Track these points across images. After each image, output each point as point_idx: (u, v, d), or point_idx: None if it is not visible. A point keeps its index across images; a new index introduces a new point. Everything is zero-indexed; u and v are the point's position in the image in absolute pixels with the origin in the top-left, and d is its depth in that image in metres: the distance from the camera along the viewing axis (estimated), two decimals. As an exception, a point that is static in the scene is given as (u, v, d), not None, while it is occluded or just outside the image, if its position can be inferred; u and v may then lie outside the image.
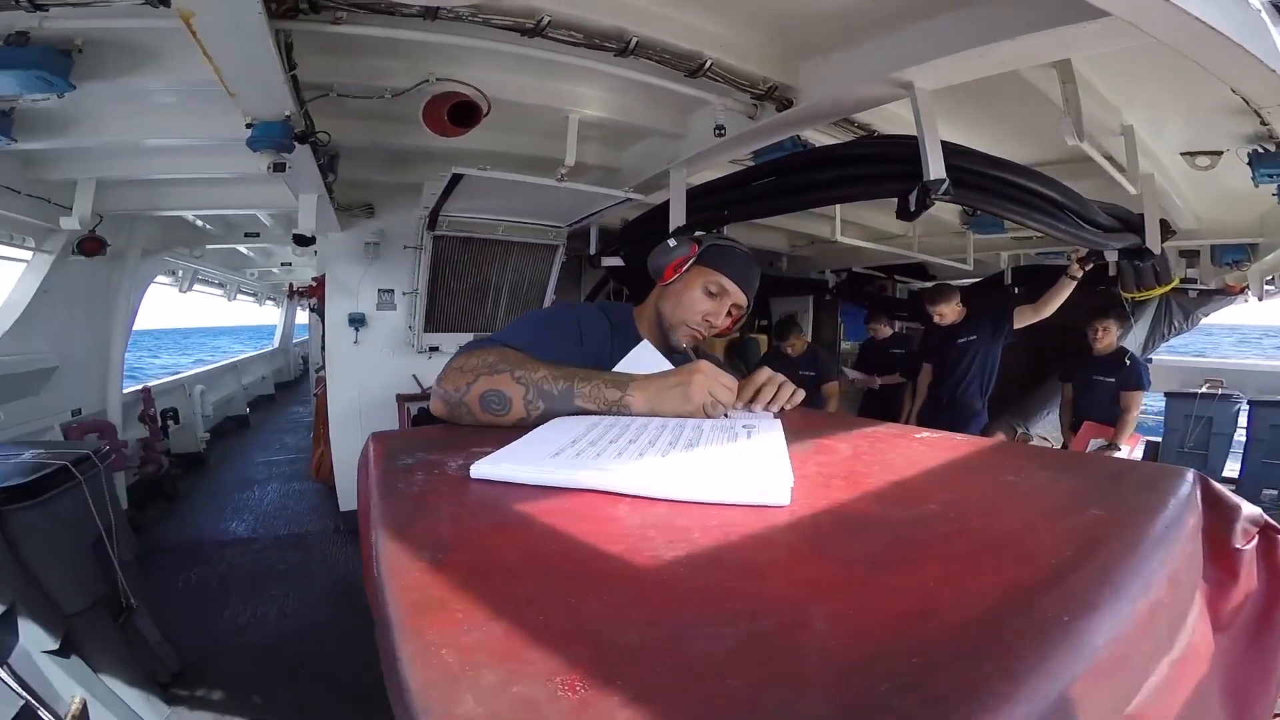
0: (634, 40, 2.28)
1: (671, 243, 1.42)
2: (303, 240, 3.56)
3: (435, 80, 2.63)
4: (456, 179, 3.14)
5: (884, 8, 2.14)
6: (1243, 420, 5.40)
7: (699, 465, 0.62)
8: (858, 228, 5.36)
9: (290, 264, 7.06)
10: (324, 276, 4.76)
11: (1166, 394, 5.55)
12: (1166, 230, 3.62)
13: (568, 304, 1.46)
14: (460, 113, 2.59)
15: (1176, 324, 4.83)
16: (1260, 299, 4.58)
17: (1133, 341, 4.85)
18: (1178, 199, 3.87)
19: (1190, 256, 4.71)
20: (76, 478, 3.02)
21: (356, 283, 4.58)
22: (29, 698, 1.85)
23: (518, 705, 0.29)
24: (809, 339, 5.02)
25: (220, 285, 7.83)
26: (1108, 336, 4.10)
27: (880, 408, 5.39)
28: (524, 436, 0.75)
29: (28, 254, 3.92)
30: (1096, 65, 2.66)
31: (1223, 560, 0.56)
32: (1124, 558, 0.44)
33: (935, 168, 2.23)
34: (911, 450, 0.74)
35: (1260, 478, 5.21)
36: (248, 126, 2.52)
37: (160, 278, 6.10)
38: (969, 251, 5.09)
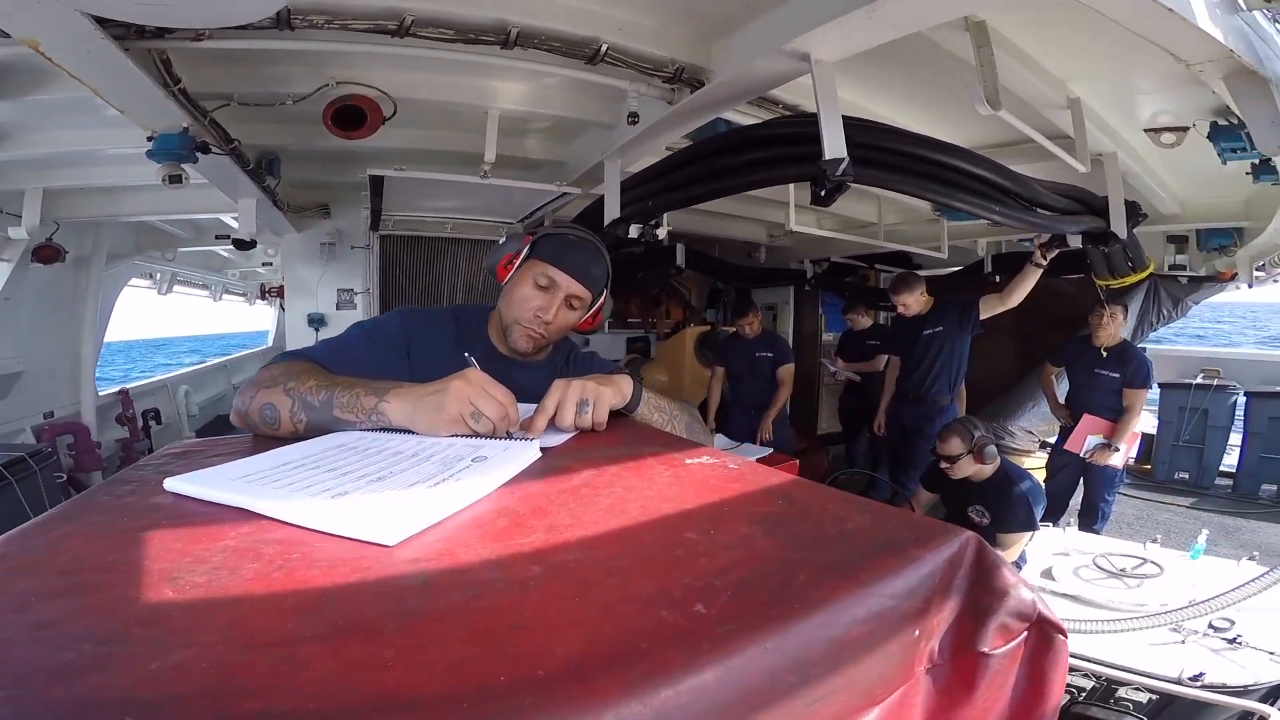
0: (515, 31, 2.20)
1: (502, 239, 1.34)
2: (242, 244, 3.56)
3: (336, 84, 2.62)
4: (377, 180, 3.09)
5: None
6: (1240, 412, 5.15)
7: (335, 496, 0.60)
8: (834, 217, 5.23)
9: (271, 264, 7.11)
10: (289, 277, 4.79)
11: (1161, 384, 5.30)
12: (1136, 213, 3.41)
13: (409, 311, 1.40)
14: (350, 116, 2.54)
15: (1166, 312, 4.56)
16: (1251, 285, 4.33)
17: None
18: (1151, 180, 3.67)
19: (1179, 242, 4.47)
20: (8, 479, 3.11)
21: (315, 283, 4.58)
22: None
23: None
24: (766, 326, 4.90)
25: (204, 287, 7.93)
26: (1112, 324, 3.71)
27: (860, 400, 5.27)
28: (247, 458, 0.75)
29: (-15, 263, 3.98)
30: (1038, 36, 2.50)
31: (965, 663, 0.43)
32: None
33: (834, 146, 2.11)
34: (643, 489, 0.60)
35: (1257, 473, 4.96)
36: (148, 140, 2.55)
37: (136, 281, 6.19)
38: (943, 239, 4.91)
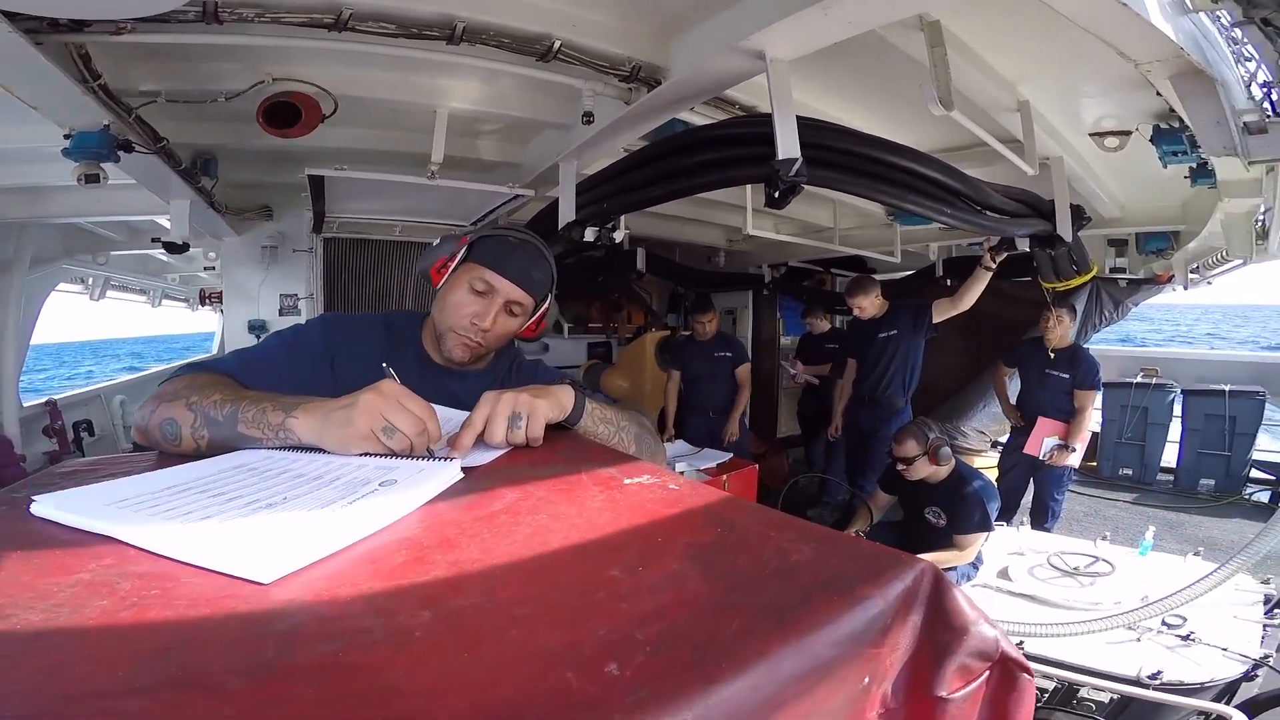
0: (462, 26, 2.12)
1: (436, 241, 1.26)
2: (174, 247, 3.38)
3: (272, 80, 2.50)
4: (318, 180, 2.96)
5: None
6: (1178, 410, 5.34)
7: (219, 524, 0.53)
8: (790, 222, 5.25)
9: (214, 268, 6.81)
10: (231, 282, 4.57)
11: (1104, 384, 5.47)
12: (1080, 216, 3.49)
13: (333, 318, 1.31)
14: (284, 113, 2.43)
15: (1107, 314, 4.72)
16: (1186, 288, 4.50)
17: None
18: (1095, 185, 3.77)
19: (1119, 245, 4.62)
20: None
21: (256, 288, 4.39)
22: None
23: None
24: (724, 329, 4.91)
25: (141, 292, 7.56)
26: (1060, 327, 3.80)
27: (819, 402, 5.30)
28: (130, 478, 0.69)
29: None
30: (989, 37, 2.52)
31: (922, 708, 0.39)
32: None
33: (787, 146, 2.08)
34: (569, 516, 0.54)
35: (1196, 469, 5.15)
36: (65, 137, 2.42)
37: (65, 286, 5.84)
38: (896, 244, 4.98)
